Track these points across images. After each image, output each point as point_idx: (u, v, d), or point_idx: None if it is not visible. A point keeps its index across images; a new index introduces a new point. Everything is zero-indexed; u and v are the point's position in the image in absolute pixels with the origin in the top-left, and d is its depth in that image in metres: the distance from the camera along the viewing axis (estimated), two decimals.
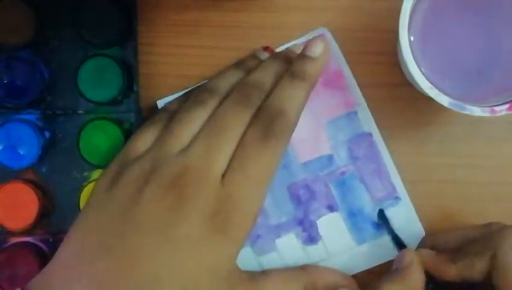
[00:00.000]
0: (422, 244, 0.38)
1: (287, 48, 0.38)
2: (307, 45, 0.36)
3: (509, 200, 0.39)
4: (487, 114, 0.32)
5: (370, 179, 0.39)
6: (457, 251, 0.34)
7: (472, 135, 0.39)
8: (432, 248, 0.36)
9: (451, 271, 0.33)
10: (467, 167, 0.39)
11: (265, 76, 0.35)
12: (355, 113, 0.39)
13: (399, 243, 0.38)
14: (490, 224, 0.36)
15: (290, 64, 0.35)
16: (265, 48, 0.38)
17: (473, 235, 0.35)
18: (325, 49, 0.36)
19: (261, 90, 0.34)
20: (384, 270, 0.38)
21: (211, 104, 0.34)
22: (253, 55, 0.38)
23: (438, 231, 0.39)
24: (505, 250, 0.31)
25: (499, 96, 0.33)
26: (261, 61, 0.37)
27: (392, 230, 0.38)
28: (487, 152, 0.39)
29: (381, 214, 0.39)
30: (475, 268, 0.32)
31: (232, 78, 0.36)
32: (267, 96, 0.34)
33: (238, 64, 0.38)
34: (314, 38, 0.37)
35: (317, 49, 0.35)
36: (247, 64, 0.37)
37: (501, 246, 0.32)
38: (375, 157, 0.39)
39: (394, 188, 0.39)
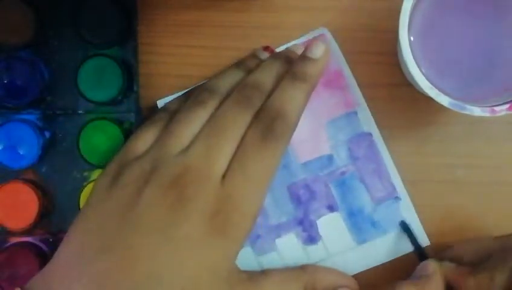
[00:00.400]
0: (442, 256, 0.37)
1: (287, 48, 0.38)
2: (307, 46, 0.36)
3: (509, 200, 0.39)
4: (487, 114, 0.32)
5: (370, 179, 0.39)
6: (477, 264, 0.34)
7: (472, 135, 0.39)
8: (452, 259, 0.36)
9: (471, 284, 0.33)
10: (467, 167, 0.39)
11: (265, 76, 0.35)
12: (355, 113, 0.39)
13: (421, 254, 0.37)
14: (508, 236, 0.35)
15: (291, 65, 0.35)
16: (266, 48, 0.38)
17: (493, 248, 0.35)
18: (326, 51, 0.36)
19: (261, 91, 0.34)
20: (385, 270, 0.38)
21: (211, 104, 0.34)
22: (254, 55, 0.38)
23: (438, 230, 0.39)
24: None
25: (499, 96, 0.33)
26: (262, 61, 0.37)
27: (416, 241, 0.38)
28: (487, 152, 0.39)
29: (404, 225, 0.38)
30: (495, 281, 0.32)
31: (233, 78, 0.36)
32: (268, 96, 0.34)
33: (239, 64, 0.38)
34: (315, 39, 0.37)
35: (318, 51, 0.35)
36: (247, 64, 0.37)
37: None
38: (375, 157, 0.39)
39: (394, 188, 0.39)
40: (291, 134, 0.34)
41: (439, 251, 0.38)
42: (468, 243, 0.37)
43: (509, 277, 0.32)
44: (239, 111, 0.33)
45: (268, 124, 0.32)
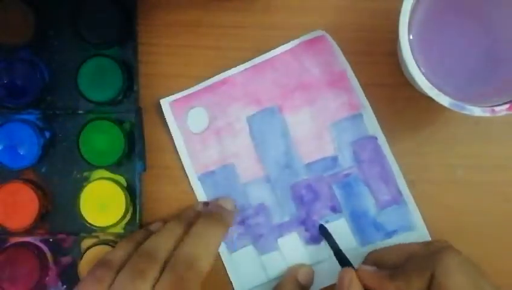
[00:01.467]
0: (365, 260, 0.37)
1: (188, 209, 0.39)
2: (218, 199, 0.38)
3: (509, 200, 0.39)
4: (487, 114, 0.32)
5: (374, 182, 0.39)
6: (397, 268, 0.34)
7: (472, 135, 0.39)
8: (375, 263, 0.36)
9: (389, 288, 0.33)
10: (467, 167, 0.39)
11: (162, 242, 0.35)
12: (361, 115, 0.39)
13: (342, 259, 0.36)
14: (432, 243, 0.36)
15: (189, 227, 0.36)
16: (205, 204, 0.39)
17: (415, 253, 0.35)
18: (233, 210, 0.38)
19: (156, 259, 0.33)
20: None
21: (107, 280, 0.33)
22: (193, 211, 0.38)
23: (438, 230, 0.39)
24: (442, 271, 0.31)
25: (499, 96, 0.33)
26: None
27: (336, 245, 0.37)
28: (487, 152, 0.39)
29: (322, 229, 0.38)
30: (412, 287, 0.32)
31: (123, 251, 0.35)
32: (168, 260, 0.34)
33: (131, 238, 0.37)
34: (224, 197, 0.39)
35: (229, 205, 0.38)
36: (137, 237, 0.37)
37: (439, 266, 0.31)
38: (380, 160, 0.39)
39: (399, 192, 0.39)
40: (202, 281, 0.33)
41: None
42: (392, 248, 0.37)
43: (427, 284, 0.31)
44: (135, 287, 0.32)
45: (180, 275, 0.32)
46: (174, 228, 0.36)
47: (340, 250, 0.37)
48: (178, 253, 0.33)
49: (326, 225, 0.39)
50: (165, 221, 0.39)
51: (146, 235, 0.36)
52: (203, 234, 0.35)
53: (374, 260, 0.37)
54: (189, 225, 0.36)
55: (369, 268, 0.35)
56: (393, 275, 0.33)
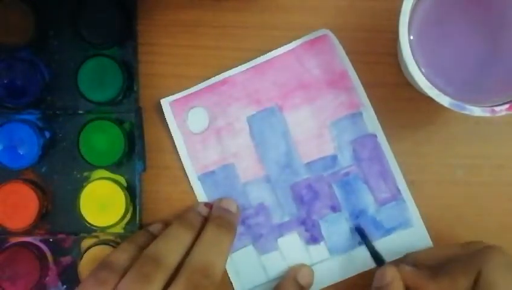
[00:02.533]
0: (404, 260, 0.37)
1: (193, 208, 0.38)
2: (221, 200, 0.38)
3: (509, 200, 0.39)
4: (487, 114, 0.32)
5: (374, 180, 0.39)
6: (438, 268, 0.34)
7: (472, 135, 0.39)
8: (413, 264, 0.36)
9: (431, 288, 0.33)
10: (467, 167, 0.39)
11: (169, 247, 0.34)
12: (360, 114, 0.39)
13: (378, 259, 0.37)
14: (471, 243, 0.36)
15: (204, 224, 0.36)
16: (206, 204, 0.39)
17: (454, 254, 0.35)
18: (238, 210, 0.38)
19: (164, 266, 0.33)
20: None
21: (111, 283, 0.33)
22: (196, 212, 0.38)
23: (438, 230, 0.39)
24: (490, 269, 0.31)
25: (499, 96, 0.33)
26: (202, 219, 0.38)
27: (372, 246, 0.38)
28: (487, 152, 0.39)
29: (359, 231, 0.38)
30: (458, 285, 0.32)
31: (126, 253, 0.35)
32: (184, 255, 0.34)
33: (132, 239, 0.36)
34: (225, 198, 0.39)
35: (233, 207, 0.38)
36: (139, 240, 0.36)
37: (487, 264, 0.31)
38: (379, 159, 0.39)
39: (398, 190, 0.39)
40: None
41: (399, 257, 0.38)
42: (430, 249, 0.37)
43: (473, 282, 0.31)
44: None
45: (196, 283, 0.32)
46: (180, 234, 0.35)
47: (376, 250, 0.37)
48: (192, 261, 0.33)
49: (326, 224, 0.39)
50: (165, 222, 0.39)
51: (147, 238, 0.36)
52: (215, 241, 0.35)
53: (412, 260, 0.37)
54: (194, 230, 0.36)
55: (409, 268, 0.35)
56: (435, 275, 0.33)
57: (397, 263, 0.36)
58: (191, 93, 0.39)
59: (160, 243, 0.34)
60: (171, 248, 0.34)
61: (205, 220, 0.37)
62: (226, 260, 0.35)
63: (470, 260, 0.33)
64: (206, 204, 0.39)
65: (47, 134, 0.39)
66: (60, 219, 0.39)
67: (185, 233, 0.35)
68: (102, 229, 0.38)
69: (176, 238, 0.35)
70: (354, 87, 0.39)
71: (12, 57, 0.38)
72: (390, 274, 0.34)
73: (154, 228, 0.38)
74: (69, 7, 0.38)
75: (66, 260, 0.39)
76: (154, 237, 0.36)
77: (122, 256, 0.34)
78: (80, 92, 0.38)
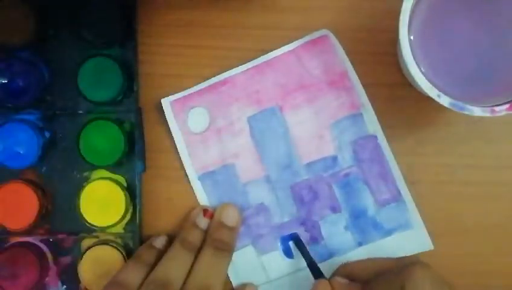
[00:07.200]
0: (338, 272, 0.38)
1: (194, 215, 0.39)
2: (221, 211, 0.38)
3: (509, 200, 0.39)
4: (487, 114, 0.32)
5: (374, 181, 0.39)
6: (370, 281, 0.34)
7: (472, 135, 0.39)
8: (347, 276, 0.36)
9: None
10: (467, 167, 0.39)
11: (173, 271, 0.35)
12: (361, 114, 0.39)
13: (315, 271, 0.37)
14: (405, 258, 0.36)
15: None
16: (205, 212, 0.39)
17: (388, 267, 0.35)
18: (239, 219, 0.38)
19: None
20: None
21: None
22: (194, 225, 0.38)
23: (438, 230, 0.39)
24: (411, 286, 0.31)
25: (499, 96, 0.33)
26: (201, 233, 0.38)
27: (310, 257, 0.37)
28: (487, 152, 0.39)
29: (296, 240, 0.38)
30: None
31: (134, 272, 0.36)
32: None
33: (139, 257, 0.37)
34: (226, 204, 0.38)
35: (233, 219, 0.38)
36: (143, 256, 0.37)
37: (408, 281, 0.32)
38: (380, 159, 0.39)
39: (398, 191, 0.39)
40: None
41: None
42: (364, 261, 0.38)
43: None
44: None
45: None
46: (182, 256, 0.36)
47: (314, 261, 0.37)
48: (191, 283, 0.35)
49: (326, 225, 0.39)
50: (167, 234, 0.39)
51: (152, 254, 0.37)
52: (212, 263, 0.36)
53: (346, 272, 0.37)
54: (195, 250, 0.37)
55: (342, 280, 0.36)
56: (366, 288, 0.34)
57: (333, 274, 0.37)
58: (192, 93, 0.39)
59: (165, 267, 0.36)
60: (176, 273, 0.35)
61: (205, 233, 0.38)
62: (225, 278, 0.37)
63: (396, 276, 0.33)
64: (205, 212, 0.38)
65: (47, 134, 0.39)
66: (60, 219, 0.39)
67: (186, 255, 0.36)
68: (102, 229, 0.38)
69: (179, 261, 0.36)
70: (354, 88, 0.39)
71: (12, 57, 0.38)
72: (322, 288, 0.35)
73: (158, 242, 0.38)
74: (69, 7, 0.38)
75: (66, 260, 0.39)
76: (158, 252, 0.37)
77: (131, 275, 0.35)
78: (80, 92, 0.38)
